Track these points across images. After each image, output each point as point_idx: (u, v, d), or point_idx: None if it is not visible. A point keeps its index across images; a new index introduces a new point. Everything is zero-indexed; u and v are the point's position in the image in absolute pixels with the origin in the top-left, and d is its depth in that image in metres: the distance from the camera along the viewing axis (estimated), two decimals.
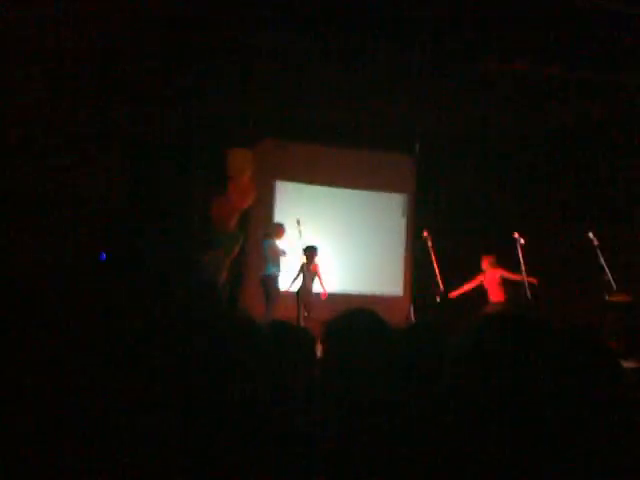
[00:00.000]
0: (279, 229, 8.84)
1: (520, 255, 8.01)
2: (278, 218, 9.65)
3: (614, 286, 7.83)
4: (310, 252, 8.80)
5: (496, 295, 8.93)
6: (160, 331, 2.37)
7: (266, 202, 9.81)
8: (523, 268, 7.96)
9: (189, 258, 8.44)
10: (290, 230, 8.84)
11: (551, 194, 9.70)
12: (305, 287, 8.70)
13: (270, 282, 8.55)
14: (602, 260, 7.85)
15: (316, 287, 8.90)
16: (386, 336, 2.11)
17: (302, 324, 8.02)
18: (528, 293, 7.90)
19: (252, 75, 8.77)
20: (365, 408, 1.94)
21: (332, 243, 9.47)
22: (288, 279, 8.75)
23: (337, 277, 9.42)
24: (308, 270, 8.76)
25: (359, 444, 1.74)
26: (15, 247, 6.64)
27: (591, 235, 8.01)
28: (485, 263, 9.01)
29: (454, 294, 8.86)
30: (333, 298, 8.79)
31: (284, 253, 8.75)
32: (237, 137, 9.00)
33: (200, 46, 8.41)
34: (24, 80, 6.84)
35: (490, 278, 8.98)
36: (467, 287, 8.97)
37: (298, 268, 8.77)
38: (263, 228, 9.37)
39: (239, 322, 1.98)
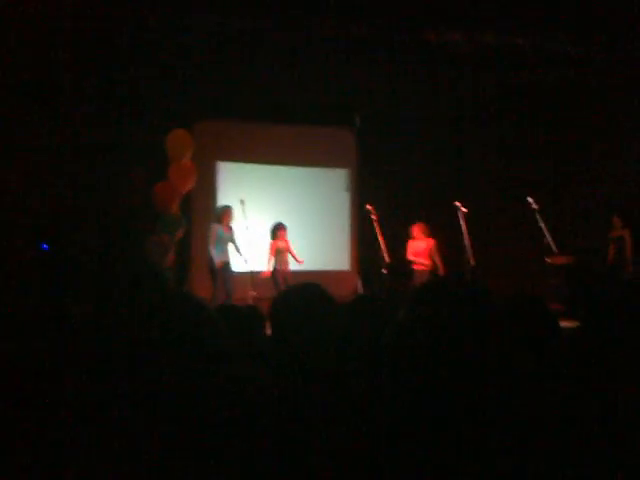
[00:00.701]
0: (226, 212, 8.69)
1: (462, 223, 8.13)
2: (221, 199, 9.58)
3: (554, 249, 8.02)
4: (273, 230, 8.94)
5: (425, 265, 9.03)
6: (105, 319, 2.34)
7: (208, 183, 9.72)
8: (466, 236, 8.08)
9: (132, 243, 8.34)
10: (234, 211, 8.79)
11: (491, 162, 9.87)
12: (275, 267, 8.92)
13: (214, 266, 8.48)
14: (542, 224, 8.02)
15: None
16: (330, 309, 2.13)
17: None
18: (471, 260, 8.03)
19: (187, 56, 8.66)
20: (313, 380, 1.96)
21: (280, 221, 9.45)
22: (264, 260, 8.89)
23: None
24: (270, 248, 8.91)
25: (310, 417, 1.76)
26: None
27: (530, 200, 8.18)
28: (417, 230, 9.08)
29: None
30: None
31: (230, 238, 8.64)
32: (175, 120, 8.87)
33: (133, 29, 8.27)
34: None
35: (422, 246, 9.05)
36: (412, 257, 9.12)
37: (269, 249, 8.92)
38: (206, 210, 9.31)
39: (186, 302, 1.96)
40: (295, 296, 2.26)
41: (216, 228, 8.53)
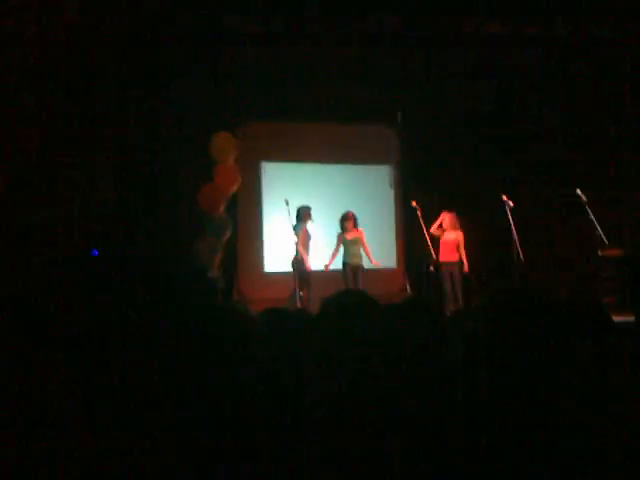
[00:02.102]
0: (307, 212, 8.78)
1: (510, 218, 8.01)
2: (266, 200, 9.65)
3: (606, 241, 7.86)
4: (340, 220, 8.91)
5: (451, 255, 8.76)
6: (152, 321, 2.37)
7: (253, 184, 9.77)
8: (514, 231, 7.96)
9: (180, 245, 8.44)
10: (279, 211, 8.85)
11: (537, 155, 9.67)
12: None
13: (300, 264, 8.56)
14: (592, 216, 7.87)
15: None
16: (378, 317, 2.12)
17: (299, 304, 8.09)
18: (521, 256, 7.90)
19: (229, 57, 8.72)
20: (359, 390, 1.95)
21: (322, 220, 9.44)
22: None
23: (330, 254, 9.37)
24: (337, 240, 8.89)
25: (353, 427, 1.76)
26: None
27: (579, 192, 8.02)
28: (447, 220, 8.83)
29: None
30: (329, 275, 8.79)
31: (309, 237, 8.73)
32: (219, 121, 8.94)
33: (175, 32, 8.37)
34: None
35: (450, 238, 8.80)
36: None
37: (336, 241, 8.88)
38: (252, 211, 9.40)
39: (231, 314, 1.98)
40: (341, 302, 2.24)
41: (299, 227, 8.67)
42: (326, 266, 8.84)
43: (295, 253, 8.60)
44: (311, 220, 8.78)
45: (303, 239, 8.66)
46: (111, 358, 2.00)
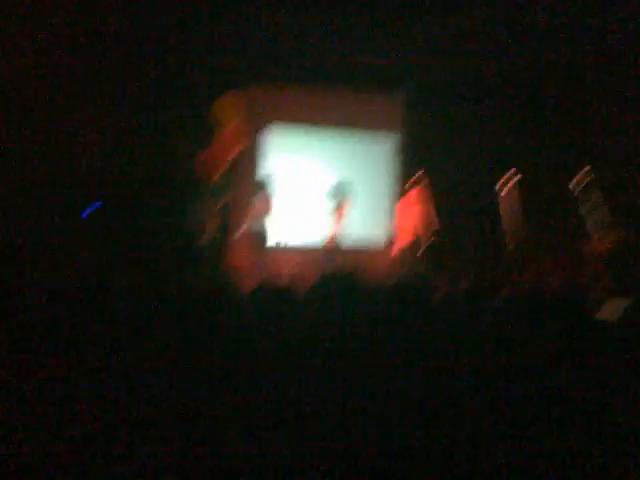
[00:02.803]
0: (263, 183, 8.86)
1: (514, 191, 7.88)
2: (267, 165, 9.56)
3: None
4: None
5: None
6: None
7: (254, 149, 9.60)
8: (518, 204, 7.82)
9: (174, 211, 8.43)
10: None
11: (549, 129, 9.43)
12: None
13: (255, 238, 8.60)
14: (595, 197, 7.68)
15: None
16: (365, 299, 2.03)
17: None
18: (522, 232, 7.77)
19: (229, 22, 8.54)
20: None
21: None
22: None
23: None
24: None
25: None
26: None
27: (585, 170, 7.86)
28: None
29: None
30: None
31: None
32: (222, 85, 8.79)
33: None
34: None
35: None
36: None
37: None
38: (250, 178, 9.28)
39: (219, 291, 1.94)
40: (331, 283, 2.14)
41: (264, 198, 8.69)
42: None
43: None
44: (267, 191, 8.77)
45: (261, 209, 8.68)
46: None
